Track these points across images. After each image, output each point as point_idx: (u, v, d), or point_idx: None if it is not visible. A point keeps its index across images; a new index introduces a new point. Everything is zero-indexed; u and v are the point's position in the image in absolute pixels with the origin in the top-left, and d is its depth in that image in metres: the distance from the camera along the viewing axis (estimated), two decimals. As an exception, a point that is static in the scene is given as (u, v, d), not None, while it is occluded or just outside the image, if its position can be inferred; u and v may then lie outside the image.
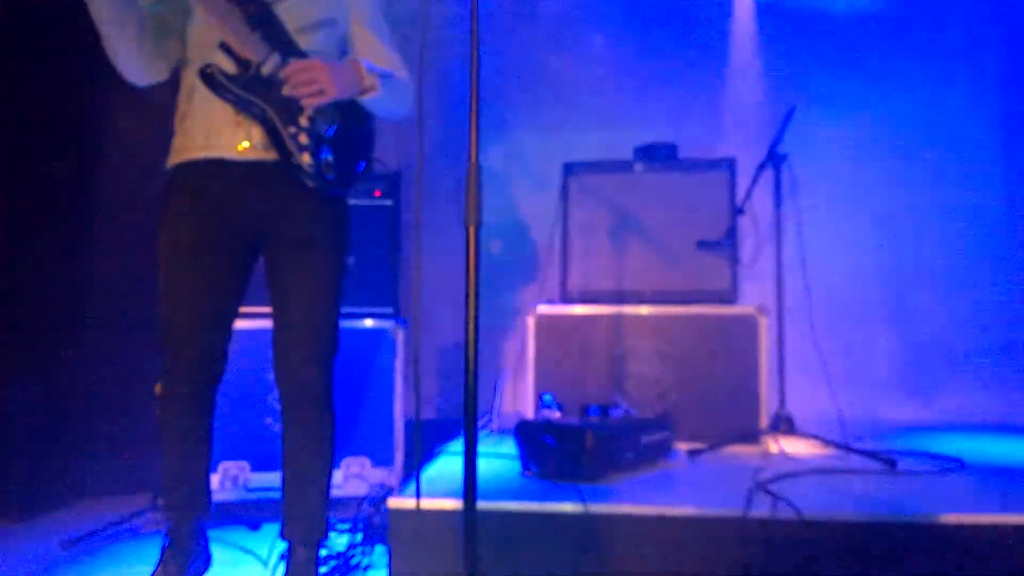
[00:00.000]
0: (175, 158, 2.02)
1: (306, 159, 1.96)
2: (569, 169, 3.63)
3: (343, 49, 2.16)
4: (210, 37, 1.94)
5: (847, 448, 2.92)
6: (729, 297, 3.40)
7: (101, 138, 3.69)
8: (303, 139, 1.96)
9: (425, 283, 4.02)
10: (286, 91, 1.93)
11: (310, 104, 1.94)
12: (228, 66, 1.92)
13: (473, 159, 1.75)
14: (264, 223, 2.02)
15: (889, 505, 2.14)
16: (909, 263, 4.23)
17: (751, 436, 3.15)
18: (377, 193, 3.55)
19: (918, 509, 2.08)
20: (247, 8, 1.94)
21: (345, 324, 3.34)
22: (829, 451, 2.98)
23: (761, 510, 2.04)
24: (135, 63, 1.94)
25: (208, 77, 1.90)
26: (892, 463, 2.72)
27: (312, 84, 1.91)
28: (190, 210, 1.98)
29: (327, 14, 2.08)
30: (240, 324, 2.22)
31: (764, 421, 3.19)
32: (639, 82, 4.46)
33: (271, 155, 1.97)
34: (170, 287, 1.98)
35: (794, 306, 3.31)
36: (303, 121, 1.97)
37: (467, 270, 1.75)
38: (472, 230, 1.74)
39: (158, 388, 2.02)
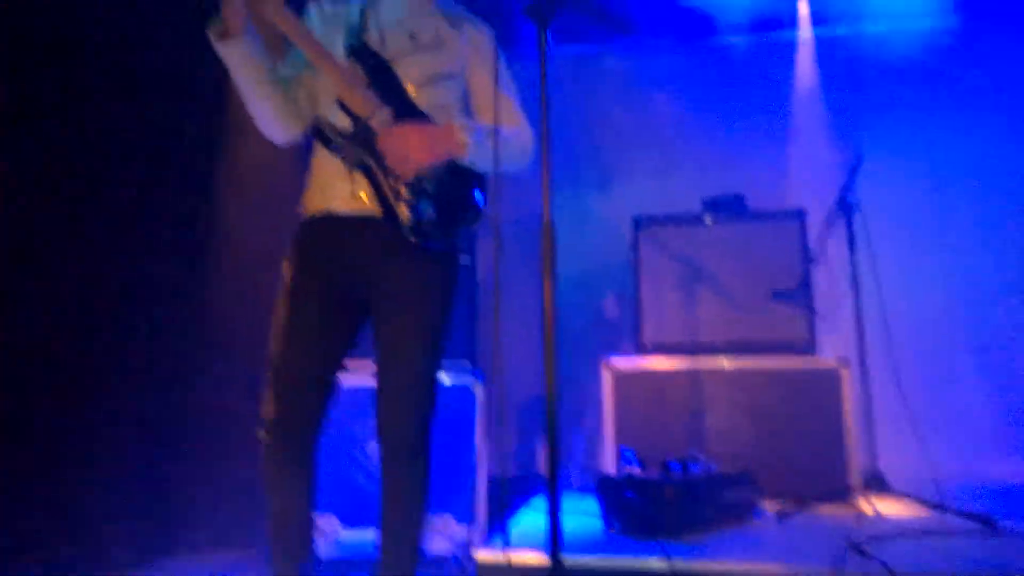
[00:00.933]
0: (301, 210, 2.14)
1: (405, 212, 1.99)
2: (639, 223, 3.69)
3: (466, 101, 2.21)
4: (331, 94, 2.03)
5: (943, 508, 2.81)
6: (808, 348, 3.37)
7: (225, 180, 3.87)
8: (404, 193, 1.99)
9: (498, 338, 4.10)
10: (387, 161, 1.99)
11: (404, 176, 2.00)
12: (343, 121, 2.00)
13: (547, 218, 1.83)
14: (371, 276, 2.07)
15: (990, 566, 2.07)
16: (997, 312, 4.08)
17: (840, 494, 3.06)
18: (454, 252, 3.67)
19: (1021, 570, 2.01)
20: (366, 64, 2.02)
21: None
22: (924, 510, 2.88)
23: (854, 570, 2.01)
24: (272, 123, 2.07)
25: (317, 131, 2.00)
26: (991, 523, 2.62)
27: (403, 151, 1.97)
28: (304, 262, 2.07)
29: (447, 68, 2.11)
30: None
31: (853, 478, 3.10)
32: (703, 134, 4.51)
33: (377, 209, 2.01)
34: (281, 334, 2.05)
35: (877, 356, 3.25)
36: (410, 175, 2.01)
37: (544, 325, 1.81)
38: (548, 284, 1.81)
39: (262, 434, 2.07)
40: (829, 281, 3.48)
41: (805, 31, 4.56)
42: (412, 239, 1.99)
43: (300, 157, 2.26)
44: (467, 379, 3.50)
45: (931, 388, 3.86)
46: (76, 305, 3.19)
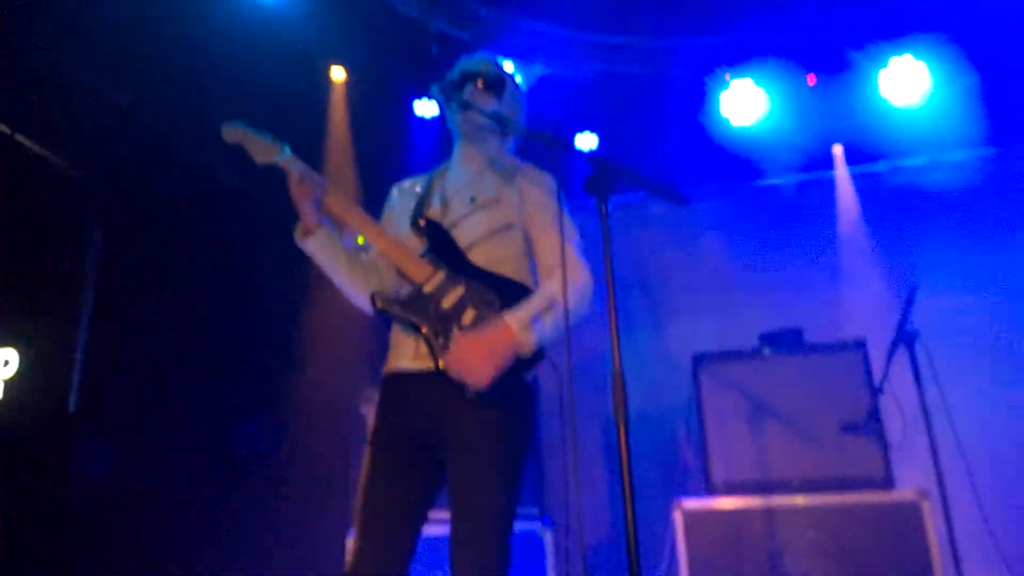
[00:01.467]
0: (384, 370, 2.28)
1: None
2: (699, 360, 3.74)
3: (528, 248, 2.27)
4: (391, 266, 2.23)
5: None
6: (885, 482, 3.28)
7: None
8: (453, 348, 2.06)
9: (564, 481, 4.09)
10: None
11: (479, 386, 2.04)
12: (403, 287, 2.17)
13: (617, 368, 1.89)
14: (440, 429, 2.13)
15: None
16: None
17: (932, 633, 2.92)
18: (517, 397, 3.77)
19: None
20: (425, 232, 2.20)
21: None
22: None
23: None
24: (355, 296, 2.27)
25: (371, 303, 2.17)
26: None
27: (473, 368, 2.01)
28: (383, 418, 2.17)
29: (504, 222, 2.23)
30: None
31: (946, 616, 2.95)
32: (755, 272, 4.65)
33: (434, 365, 2.08)
34: (364, 487, 2.15)
35: (957, 488, 3.16)
36: (457, 332, 2.07)
37: (622, 467, 1.84)
38: (623, 432, 1.86)
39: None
40: (899, 412, 3.43)
41: (842, 170, 4.78)
42: (462, 393, 2.04)
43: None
44: (535, 525, 3.50)
45: (1015, 515, 3.69)
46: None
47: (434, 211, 2.28)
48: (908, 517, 3.13)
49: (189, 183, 4.05)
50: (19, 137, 3.77)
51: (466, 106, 2.25)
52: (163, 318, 4.00)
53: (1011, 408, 4.03)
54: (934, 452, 3.21)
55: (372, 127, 4.10)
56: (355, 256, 2.30)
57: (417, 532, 2.16)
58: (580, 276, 2.21)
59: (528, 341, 2.06)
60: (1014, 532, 3.51)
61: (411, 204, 2.35)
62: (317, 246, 2.22)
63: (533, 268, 2.33)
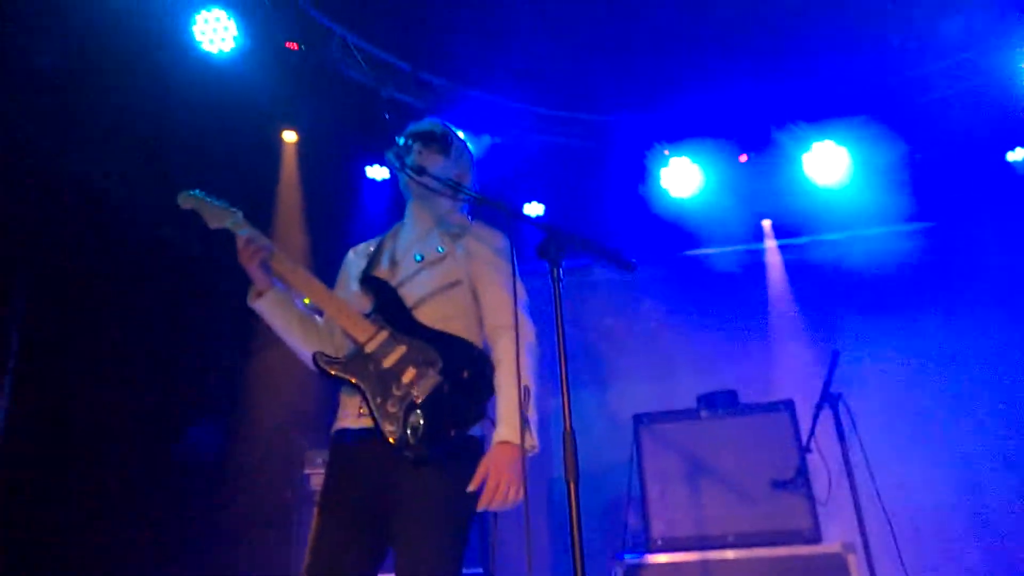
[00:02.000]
0: (332, 428, 2.29)
1: (389, 428, 2.04)
2: (639, 420, 3.87)
3: (477, 298, 2.27)
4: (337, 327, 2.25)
5: None
6: (813, 536, 3.43)
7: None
8: (390, 407, 2.06)
9: (509, 541, 4.12)
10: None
11: (512, 499, 2.03)
12: (347, 348, 2.19)
13: (567, 426, 1.94)
14: (383, 487, 2.12)
15: None
16: (990, 485, 4.22)
17: None
18: (463, 456, 3.83)
19: None
20: (372, 291, 2.24)
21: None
22: None
23: None
24: (304, 354, 2.28)
25: (314, 362, 2.17)
26: None
27: (501, 491, 1.99)
28: (330, 475, 2.18)
29: (451, 278, 2.25)
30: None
31: (871, 666, 3.07)
32: (691, 336, 4.87)
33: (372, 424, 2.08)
34: (312, 542, 2.12)
35: (879, 540, 3.33)
36: (395, 391, 2.07)
37: (570, 523, 1.89)
38: (572, 486, 1.92)
39: None
40: (826, 469, 3.61)
41: (770, 242, 5.09)
42: (404, 454, 2.03)
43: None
44: (480, 584, 3.51)
45: (934, 565, 3.88)
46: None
47: (383, 271, 2.31)
48: (835, 570, 3.27)
49: (124, 237, 4.03)
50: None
51: (418, 171, 2.26)
52: (90, 368, 3.91)
53: (928, 466, 4.28)
54: (857, 508, 3.38)
55: (323, 189, 4.19)
56: (309, 317, 2.33)
57: None
58: (531, 335, 2.23)
59: (529, 442, 2.05)
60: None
61: (363, 265, 2.37)
62: (268, 307, 2.27)
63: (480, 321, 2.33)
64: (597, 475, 4.52)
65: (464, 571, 3.53)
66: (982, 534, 4.16)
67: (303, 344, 2.30)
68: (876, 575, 3.24)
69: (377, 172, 4.38)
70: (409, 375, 2.09)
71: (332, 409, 2.32)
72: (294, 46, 3.72)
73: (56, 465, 3.71)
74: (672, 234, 4.90)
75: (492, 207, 2.20)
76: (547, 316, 2.06)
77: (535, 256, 2.09)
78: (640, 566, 3.50)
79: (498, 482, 1.98)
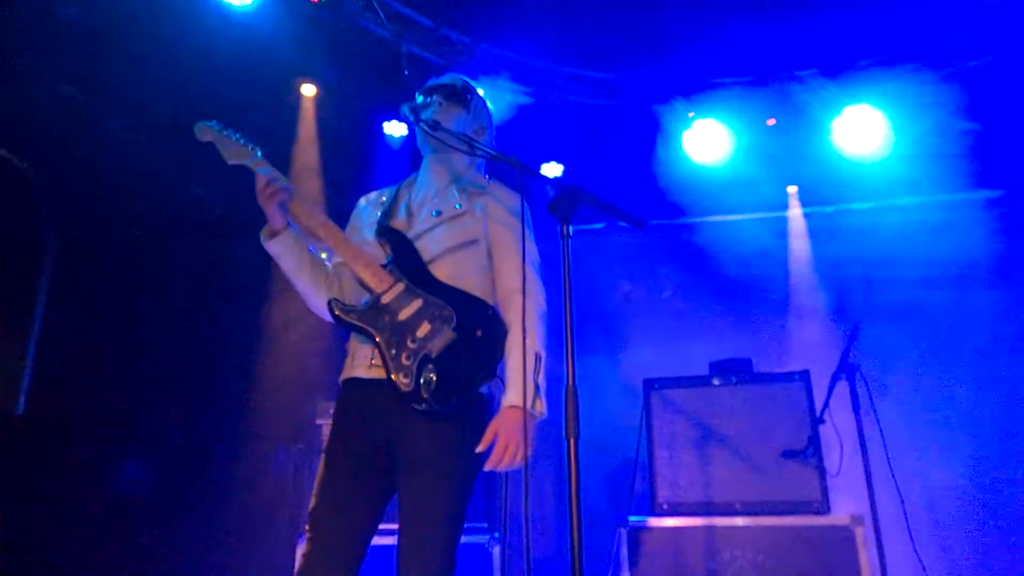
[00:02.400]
0: (340, 376, 2.30)
1: (403, 379, 2.07)
2: (649, 385, 3.85)
3: (492, 258, 2.30)
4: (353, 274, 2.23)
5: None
6: (822, 507, 3.39)
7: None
8: (405, 359, 2.09)
9: (516, 499, 4.15)
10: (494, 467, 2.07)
11: (519, 461, 2.08)
12: (362, 296, 2.19)
13: (570, 382, 1.94)
14: (392, 437, 2.14)
15: None
16: (1010, 469, 4.13)
17: (861, 655, 3.01)
18: (472, 413, 3.84)
19: None
20: (390, 242, 2.23)
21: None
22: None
23: None
24: (313, 300, 2.29)
25: (329, 309, 2.18)
26: None
27: (510, 454, 2.05)
28: (338, 424, 2.20)
29: (468, 237, 2.27)
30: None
31: (873, 638, 3.05)
32: (709, 304, 4.80)
33: (385, 375, 2.11)
34: (317, 492, 2.16)
35: (889, 514, 3.29)
36: (410, 344, 2.10)
37: (569, 479, 1.90)
38: (572, 442, 1.92)
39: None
40: (839, 441, 3.56)
41: (795, 210, 4.98)
42: (413, 404, 2.07)
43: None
44: (483, 539, 3.54)
45: (945, 543, 3.84)
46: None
47: (399, 222, 2.31)
48: (842, 541, 3.24)
49: (150, 190, 4.07)
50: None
51: (434, 125, 2.26)
52: (116, 324, 3.99)
53: (947, 445, 4.20)
54: (869, 481, 3.34)
55: (340, 144, 4.17)
56: (319, 262, 2.31)
57: (367, 540, 2.17)
58: (541, 299, 2.26)
59: (538, 407, 2.09)
60: (942, 561, 3.64)
61: (377, 214, 2.37)
62: (282, 248, 2.23)
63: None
64: (607, 440, 4.53)
65: (469, 524, 3.62)
66: (999, 518, 4.09)
67: (312, 288, 2.29)
68: (884, 550, 3.21)
69: (395, 128, 4.35)
70: (424, 329, 2.12)
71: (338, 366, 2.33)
72: None
73: (83, 416, 3.81)
74: (692, 199, 4.81)
75: (507, 163, 2.17)
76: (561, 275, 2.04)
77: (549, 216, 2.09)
78: (645, 529, 3.50)
79: (506, 445, 2.03)
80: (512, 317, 2.19)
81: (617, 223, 4.67)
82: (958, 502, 4.10)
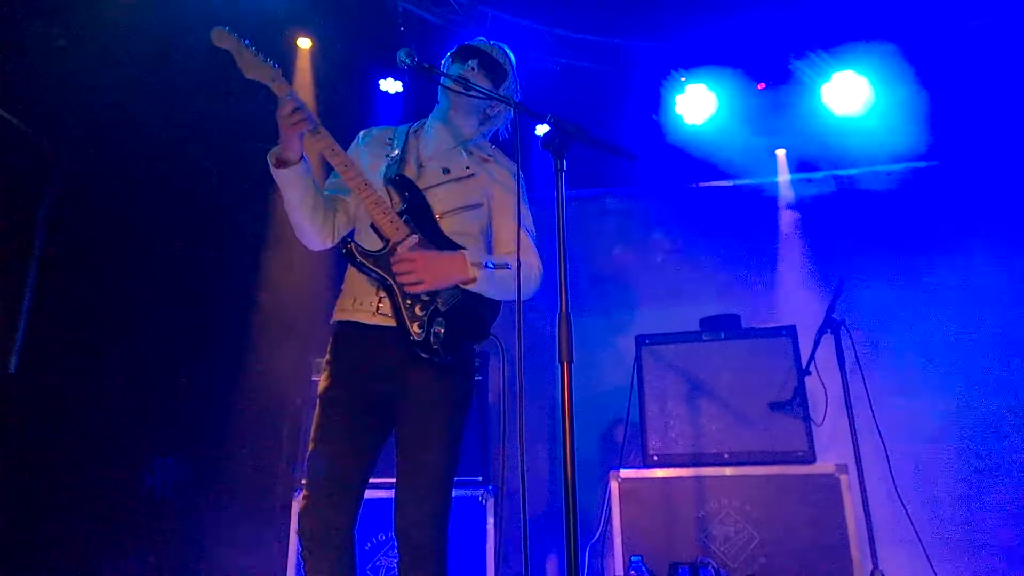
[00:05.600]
0: (335, 315, 2.33)
1: (416, 329, 2.15)
2: (641, 341, 3.92)
3: (488, 228, 2.40)
4: (367, 217, 2.26)
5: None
6: (807, 457, 3.49)
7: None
8: (418, 311, 2.17)
9: (510, 453, 4.22)
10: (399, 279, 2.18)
11: (411, 291, 2.17)
12: (374, 242, 2.22)
13: (563, 309, 2.01)
14: (394, 384, 2.22)
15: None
16: (995, 426, 4.23)
17: (845, 596, 3.11)
18: (467, 368, 3.90)
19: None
20: (401, 192, 2.27)
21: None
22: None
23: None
24: (308, 234, 2.32)
25: (346, 252, 2.22)
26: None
27: (410, 275, 2.14)
28: (336, 369, 2.23)
29: (474, 199, 2.35)
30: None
31: (856, 579, 3.15)
32: (699, 265, 4.87)
33: (394, 323, 2.19)
34: (315, 437, 2.21)
35: (873, 465, 3.38)
36: (424, 296, 2.18)
37: (562, 404, 1.95)
38: (566, 366, 1.98)
39: (304, 553, 2.15)
40: (824, 393, 3.65)
41: (784, 175, 5.05)
42: (420, 353, 2.16)
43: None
44: (478, 492, 3.60)
45: (928, 492, 3.94)
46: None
47: (410, 171, 2.35)
48: (827, 489, 3.34)
49: (148, 155, 4.07)
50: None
51: (464, 83, 2.30)
52: (108, 290, 4.00)
53: (932, 402, 4.29)
54: (853, 431, 3.42)
55: (336, 99, 4.17)
56: (321, 198, 2.33)
57: (363, 488, 2.23)
58: (535, 262, 2.36)
59: (475, 277, 2.20)
60: (926, 509, 3.75)
61: (380, 155, 2.40)
62: (292, 178, 2.21)
63: (489, 247, 2.42)
64: (600, 399, 4.62)
65: (463, 477, 3.68)
66: (984, 473, 4.20)
67: (309, 222, 2.31)
68: (868, 497, 3.30)
69: (390, 85, 4.36)
70: None
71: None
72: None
73: (77, 374, 3.83)
74: (685, 165, 4.86)
75: (496, 97, 2.24)
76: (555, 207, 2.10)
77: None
78: (636, 480, 3.58)
79: (425, 267, 2.14)
80: None
81: (609, 185, 4.70)
82: (945, 460, 4.20)
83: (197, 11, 3.59)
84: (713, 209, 5.05)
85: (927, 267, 4.54)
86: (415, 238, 2.23)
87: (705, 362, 3.80)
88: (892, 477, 3.38)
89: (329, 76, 4.14)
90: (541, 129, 4.85)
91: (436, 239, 2.26)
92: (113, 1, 3.55)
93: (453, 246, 2.26)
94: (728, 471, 3.49)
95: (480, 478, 3.73)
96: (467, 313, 2.24)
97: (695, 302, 4.64)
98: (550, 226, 2.08)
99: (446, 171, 2.36)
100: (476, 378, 2.31)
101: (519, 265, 2.17)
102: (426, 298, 2.19)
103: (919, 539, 3.30)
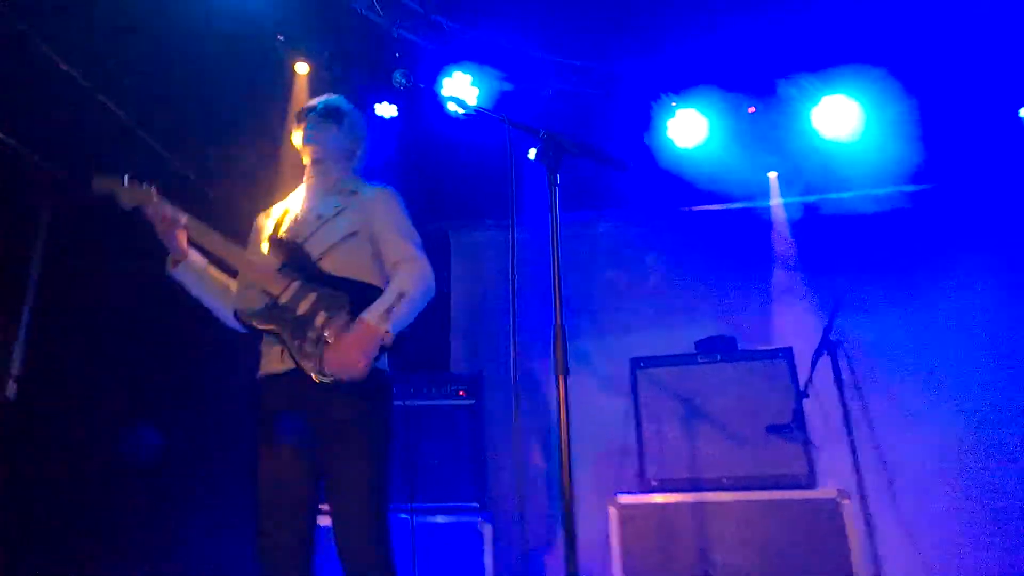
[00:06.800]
0: (259, 376, 2.43)
1: (308, 364, 2.25)
2: (636, 363, 3.89)
3: (375, 247, 2.47)
4: (246, 279, 2.47)
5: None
6: (808, 481, 3.44)
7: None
8: (308, 348, 2.28)
9: (506, 480, 4.16)
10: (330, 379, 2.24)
11: (357, 377, 2.22)
12: (262, 301, 2.38)
13: (558, 321, 2.03)
14: (310, 422, 2.29)
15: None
16: (997, 444, 4.18)
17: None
18: (461, 393, 3.86)
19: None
20: (281, 250, 2.43)
21: (431, 519, 3.54)
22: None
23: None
24: (225, 318, 2.49)
25: (236, 318, 2.39)
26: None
27: (344, 368, 2.21)
28: (262, 418, 2.35)
29: (347, 230, 2.45)
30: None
31: (862, 607, 3.09)
32: (693, 288, 4.86)
33: (292, 364, 2.31)
34: (260, 485, 2.30)
35: (875, 486, 3.34)
36: (311, 333, 2.29)
37: (560, 417, 1.95)
38: (561, 380, 1.98)
39: None
40: (822, 416, 3.62)
41: (776, 199, 5.07)
42: (322, 380, 2.24)
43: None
44: (475, 519, 3.54)
45: (931, 514, 3.87)
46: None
47: (286, 232, 2.51)
48: (829, 515, 3.28)
49: (139, 166, 4.04)
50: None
51: (308, 139, 2.58)
52: (105, 312, 3.95)
53: (932, 422, 4.25)
54: (854, 454, 3.39)
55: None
56: (223, 282, 2.51)
57: (311, 522, 2.30)
58: (415, 268, 2.41)
59: (387, 328, 2.25)
60: (932, 534, 3.69)
61: (268, 224, 2.58)
62: (185, 272, 2.46)
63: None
64: (595, 423, 4.55)
65: (460, 504, 3.62)
66: (987, 490, 4.14)
67: (221, 304, 2.51)
68: (871, 522, 3.26)
69: (385, 110, 4.37)
70: (321, 318, 2.30)
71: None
72: (309, -24, 3.72)
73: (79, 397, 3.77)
74: (677, 188, 4.87)
75: (490, 115, 2.26)
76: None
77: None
78: (635, 506, 3.53)
79: (346, 351, 2.21)
80: (393, 284, 2.36)
81: (600, 209, 4.68)
82: (948, 479, 4.14)
83: (198, 37, 3.60)
84: (706, 232, 5.05)
85: (924, 289, 4.54)
86: (295, 285, 2.36)
87: (701, 385, 3.77)
88: (896, 502, 3.34)
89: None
90: (533, 152, 4.88)
91: (318, 280, 2.37)
92: (113, 17, 3.55)
93: (336, 281, 2.37)
94: (727, 496, 3.44)
95: (477, 505, 3.67)
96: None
97: (689, 325, 4.61)
98: (542, 247, 2.08)
99: (319, 216, 2.49)
100: (387, 392, 2.36)
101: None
102: (313, 335, 2.29)
103: (924, 565, 3.25)
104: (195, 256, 2.48)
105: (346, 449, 2.25)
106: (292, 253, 2.43)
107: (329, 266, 2.40)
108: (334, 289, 2.35)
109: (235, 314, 2.40)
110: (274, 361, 2.35)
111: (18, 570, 3.31)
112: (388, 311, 2.27)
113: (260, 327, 2.35)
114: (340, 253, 2.42)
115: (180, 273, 2.47)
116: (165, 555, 3.86)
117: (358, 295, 2.33)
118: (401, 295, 2.31)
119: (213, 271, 2.52)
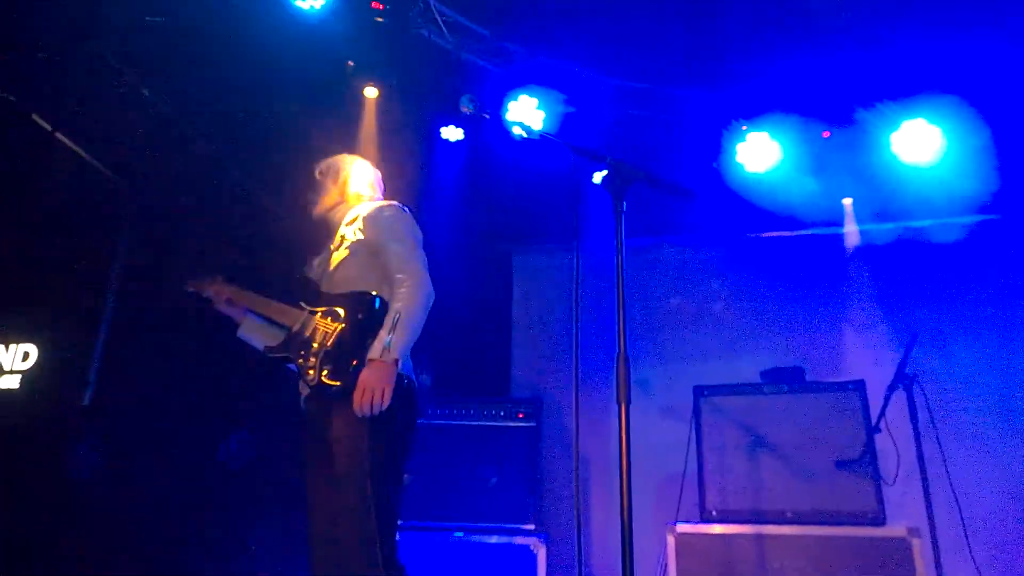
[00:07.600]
0: None
1: (311, 375, 2.47)
2: (699, 392, 3.82)
3: (373, 258, 2.60)
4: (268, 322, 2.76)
5: None
6: (877, 519, 3.31)
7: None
8: (312, 361, 2.48)
9: (562, 504, 4.14)
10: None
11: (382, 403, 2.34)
12: (283, 336, 2.63)
13: (621, 350, 2.03)
14: (325, 435, 2.43)
15: None
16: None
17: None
18: (520, 415, 3.87)
19: None
20: (301, 290, 2.67)
21: (485, 539, 3.54)
22: None
23: None
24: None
25: (268, 354, 2.65)
26: None
27: (370, 398, 2.32)
28: (300, 439, 2.57)
29: (348, 251, 2.64)
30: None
31: (931, 653, 2.94)
32: (760, 316, 4.75)
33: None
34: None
35: (948, 526, 3.19)
36: (315, 348, 2.50)
37: (620, 444, 1.95)
38: (623, 408, 1.98)
39: None
40: (896, 452, 3.48)
41: (851, 226, 4.92)
42: (329, 390, 2.42)
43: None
44: (529, 540, 3.53)
45: (1007, 558, 3.66)
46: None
47: (312, 272, 2.78)
48: (898, 554, 3.15)
49: (221, 197, 4.23)
50: (62, 138, 3.98)
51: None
52: (179, 324, 4.12)
53: (1012, 462, 4.04)
54: (927, 492, 3.25)
55: (399, 146, 4.28)
56: (275, 333, 2.72)
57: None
58: (412, 279, 2.50)
59: (394, 357, 2.36)
60: (1001, 570, 3.50)
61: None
62: (247, 332, 2.78)
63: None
64: (654, 450, 4.48)
65: (514, 525, 3.62)
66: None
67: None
68: (942, 563, 3.11)
69: (451, 133, 4.46)
70: (321, 332, 2.51)
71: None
72: (379, 5, 3.83)
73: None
74: (745, 214, 4.79)
75: (555, 141, 2.28)
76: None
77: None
78: (693, 535, 3.46)
79: (363, 390, 2.31)
80: (393, 302, 2.47)
81: (664, 234, 4.64)
82: (1021, 513, 3.92)
83: (275, 57, 3.76)
84: (775, 259, 4.94)
85: (1003, 322, 4.34)
86: (304, 314, 2.61)
87: (767, 415, 3.67)
88: (968, 543, 3.18)
89: (393, 124, 4.27)
90: (598, 176, 4.88)
91: (322, 300, 2.60)
92: (195, 47, 3.73)
93: (335, 297, 2.57)
94: (790, 530, 3.33)
95: (532, 526, 3.66)
96: (351, 336, 2.47)
97: (755, 354, 4.52)
98: (603, 270, 2.08)
99: (332, 247, 2.74)
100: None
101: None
102: (316, 348, 2.50)
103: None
104: (250, 318, 2.78)
105: (335, 467, 2.38)
106: (306, 288, 2.69)
107: (333, 284, 2.62)
108: (333, 304, 2.56)
109: (265, 352, 2.66)
110: (304, 388, 2.55)
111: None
112: (390, 342, 2.38)
113: (281, 357, 2.60)
114: (342, 269, 2.63)
115: (242, 333, 2.78)
116: (232, 554, 3.97)
117: (350, 303, 2.53)
118: (397, 320, 2.42)
119: (265, 326, 2.78)
